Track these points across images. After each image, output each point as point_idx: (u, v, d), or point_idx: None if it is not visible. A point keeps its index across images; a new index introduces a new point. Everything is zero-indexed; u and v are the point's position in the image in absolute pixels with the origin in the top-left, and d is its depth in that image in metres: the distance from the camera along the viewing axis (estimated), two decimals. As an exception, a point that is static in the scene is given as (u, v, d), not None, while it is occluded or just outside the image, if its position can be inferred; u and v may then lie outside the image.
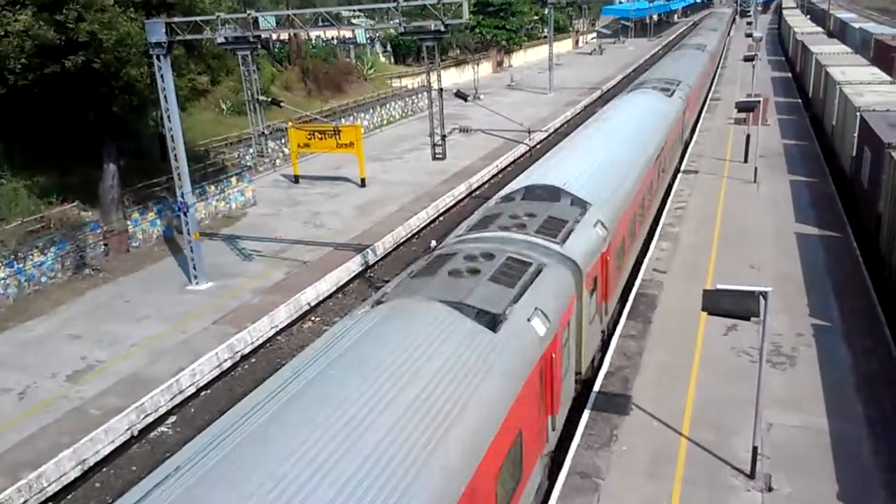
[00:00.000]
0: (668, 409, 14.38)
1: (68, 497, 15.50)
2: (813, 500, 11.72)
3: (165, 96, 21.93)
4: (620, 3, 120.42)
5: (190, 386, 18.78)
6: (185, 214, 23.41)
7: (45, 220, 25.02)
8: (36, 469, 15.07)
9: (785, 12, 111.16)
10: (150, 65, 22.08)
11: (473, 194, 35.48)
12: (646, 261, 22.05)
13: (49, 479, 15.20)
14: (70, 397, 17.66)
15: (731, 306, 11.14)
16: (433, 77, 21.20)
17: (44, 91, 23.19)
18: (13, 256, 23.00)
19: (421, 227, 30.71)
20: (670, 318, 18.40)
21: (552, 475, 12.72)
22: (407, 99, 55.23)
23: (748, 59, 42.28)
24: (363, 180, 35.40)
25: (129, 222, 27.23)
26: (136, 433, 17.20)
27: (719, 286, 11.48)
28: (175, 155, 22.72)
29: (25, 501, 14.71)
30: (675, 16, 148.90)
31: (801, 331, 17.26)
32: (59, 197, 26.46)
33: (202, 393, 19.11)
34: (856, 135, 27.12)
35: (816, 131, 38.50)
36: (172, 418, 18.11)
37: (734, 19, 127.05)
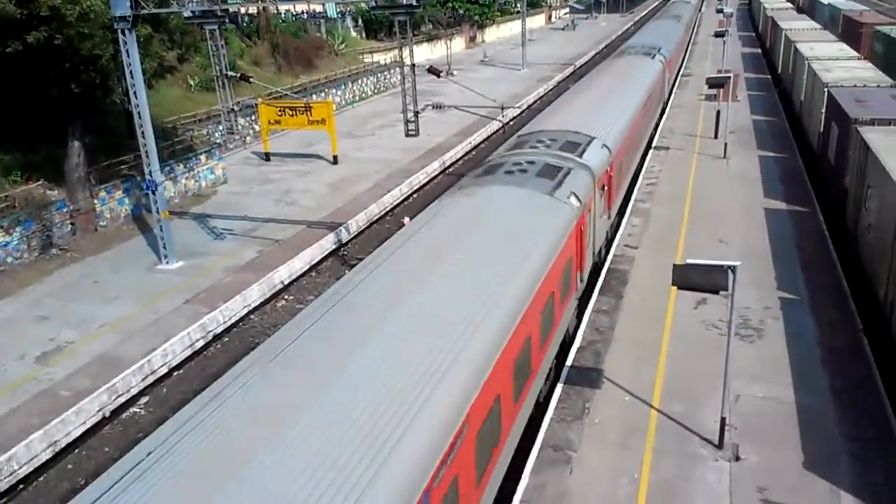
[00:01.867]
0: (639, 382, 14.61)
1: (40, 479, 15.35)
2: (779, 469, 12.02)
3: (131, 72, 21.45)
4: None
5: (162, 366, 18.63)
6: (153, 193, 23.05)
7: (10, 199, 24.50)
8: (6, 452, 14.88)
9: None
10: (115, 40, 21.56)
11: (447, 171, 35.41)
12: (617, 237, 22.24)
13: (20, 461, 15.03)
14: (39, 379, 17.43)
15: (701, 280, 11.30)
16: (405, 52, 21.02)
17: (5, 68, 22.57)
18: (-23, 237, 22.53)
19: (395, 204, 30.60)
20: (641, 292, 18.62)
21: (529, 441, 12.90)
22: (379, 75, 54.72)
23: (719, 34, 42.52)
24: (335, 157, 35.12)
25: (96, 201, 26.75)
26: (107, 414, 17.05)
27: (689, 261, 11.64)
28: (142, 132, 22.30)
29: (-5, 484, 14.56)
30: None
31: (768, 304, 17.58)
32: (23, 176, 25.90)
33: (174, 373, 18.97)
34: (823, 110, 27.47)
35: (785, 107, 38.96)
36: (145, 399, 17.97)
37: None
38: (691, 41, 67.29)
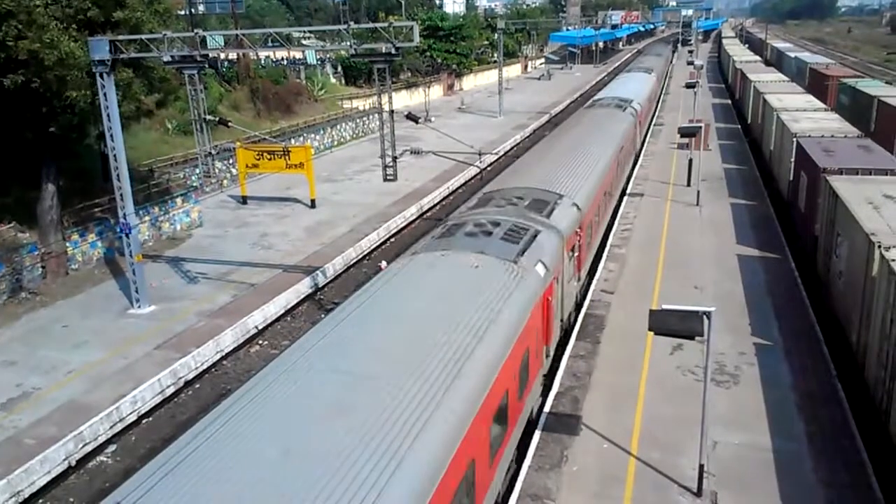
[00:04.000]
0: (616, 429, 14.52)
1: (-1, 532, 14.79)
2: (757, 517, 11.93)
3: (108, 115, 21.42)
4: (568, 30, 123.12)
5: (131, 413, 18.17)
6: (127, 236, 22.81)
7: (-20, 241, 24.09)
8: (-36, 503, 14.36)
9: (724, 41, 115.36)
10: (93, 84, 21.56)
11: (425, 216, 35.55)
12: (594, 282, 22.35)
13: (-21, 513, 14.49)
14: (3, 426, 16.89)
15: (677, 326, 11.34)
16: (384, 99, 21.23)
17: (-20, 109, 22.45)
18: (-56, 280, 22.05)
19: (372, 248, 30.56)
20: (618, 337, 18.64)
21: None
22: (358, 120, 55.22)
23: (690, 85, 43.62)
24: (313, 201, 35.13)
25: (68, 244, 26.38)
26: (73, 463, 16.53)
27: (665, 306, 11.70)
28: (118, 175, 22.16)
29: (-48, 538, 13.98)
30: (620, 43, 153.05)
31: (743, 350, 17.67)
32: (-6, 218, 25.52)
33: (143, 420, 18.51)
34: (792, 160, 28.14)
35: (755, 156, 39.83)
36: (112, 447, 17.48)
37: (675, 47, 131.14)
38: (663, 91, 68.91)
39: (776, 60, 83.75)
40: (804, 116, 32.98)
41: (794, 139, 27.95)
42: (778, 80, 52.30)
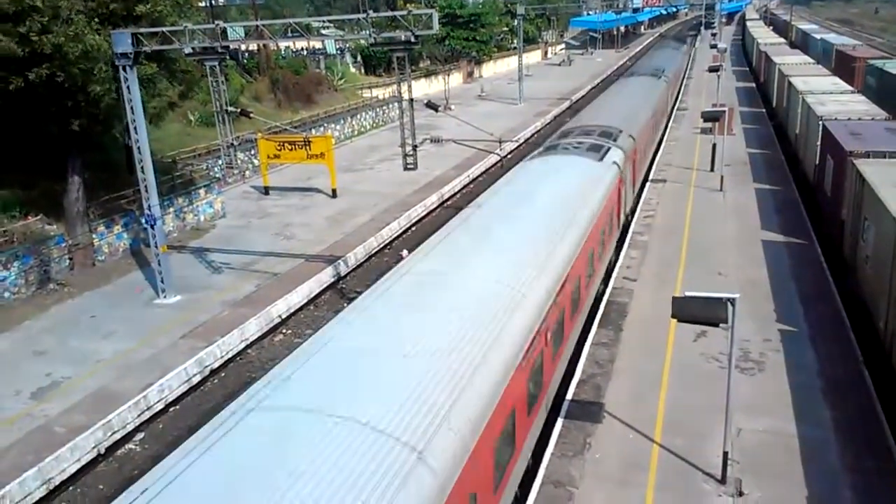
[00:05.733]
0: (640, 416, 14.48)
1: (33, 518, 15.13)
2: (782, 504, 11.86)
3: (132, 108, 21.66)
4: (588, 14, 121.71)
5: (158, 402, 18.48)
6: (152, 227, 23.09)
7: (8, 234, 24.52)
8: (-1, 490, 14.70)
9: (748, 24, 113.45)
10: (117, 78, 21.78)
11: (445, 204, 35.54)
12: (616, 269, 22.24)
13: (13, 499, 14.81)
14: (34, 415, 17.26)
15: (700, 313, 11.27)
16: (404, 88, 21.22)
17: (5, 104, 22.75)
18: (-25, 272, 22.49)
19: (393, 237, 30.66)
20: (641, 325, 18.56)
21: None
22: (378, 109, 55.25)
23: (713, 69, 43.07)
24: (334, 191, 35.28)
25: (94, 235, 26.79)
26: (102, 451, 16.86)
27: (688, 293, 11.62)
28: (142, 167, 22.43)
29: (-12, 523, 14.34)
30: (642, 27, 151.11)
31: (768, 336, 17.51)
32: (22, 211, 25.95)
33: (171, 409, 18.81)
34: (819, 143, 27.70)
35: (780, 140, 39.26)
36: (140, 435, 17.79)
37: (699, 31, 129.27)
38: (685, 75, 68.12)
39: (801, 42, 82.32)
40: (830, 99, 32.43)
41: (820, 122, 27.51)
42: (803, 62, 51.45)
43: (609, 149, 23.09)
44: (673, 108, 47.59)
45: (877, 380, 15.42)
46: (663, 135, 41.46)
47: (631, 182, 26.21)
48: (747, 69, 75.01)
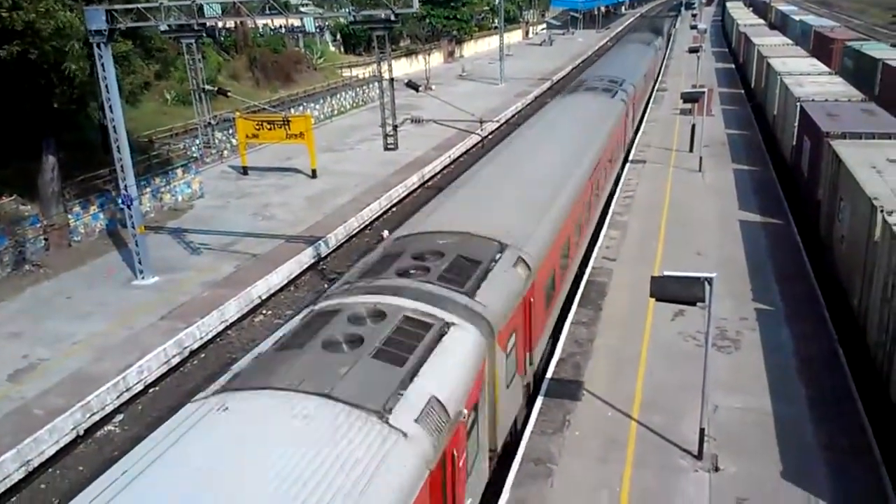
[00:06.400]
0: (618, 394, 14.66)
1: (12, 500, 15.03)
2: (758, 479, 12.09)
3: (107, 86, 21.27)
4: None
5: (137, 383, 18.37)
6: (128, 207, 22.81)
7: (-19, 214, 24.10)
8: (-24, 472, 14.57)
9: (728, 4, 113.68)
10: (91, 55, 21.36)
11: (426, 185, 35.44)
12: (595, 249, 22.37)
13: (-10, 482, 14.72)
14: (11, 397, 17.10)
15: (678, 292, 11.38)
16: (384, 67, 21.04)
17: (-24, 81, 22.26)
18: (-53, 253, 22.11)
19: (374, 217, 30.56)
20: (620, 304, 18.72)
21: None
22: (358, 89, 54.78)
23: (693, 50, 43.15)
24: (314, 171, 35.03)
25: (70, 216, 26.40)
26: (81, 432, 16.76)
27: (666, 273, 11.73)
28: (118, 146, 22.09)
29: (-35, 506, 14.25)
30: (623, 7, 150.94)
31: (745, 315, 17.75)
32: (-5, 191, 25.50)
33: (150, 390, 18.72)
34: (796, 124, 27.93)
35: (759, 121, 39.53)
36: (120, 416, 17.70)
37: (679, 10, 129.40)
38: (665, 56, 68.20)
39: (780, 23, 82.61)
40: (808, 80, 32.66)
41: (798, 103, 27.72)
42: (782, 43, 51.70)
43: (617, 92, 31.64)
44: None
45: (851, 358, 15.71)
46: (641, 118, 41.55)
47: (633, 115, 35.94)
48: (727, 50, 75.23)
